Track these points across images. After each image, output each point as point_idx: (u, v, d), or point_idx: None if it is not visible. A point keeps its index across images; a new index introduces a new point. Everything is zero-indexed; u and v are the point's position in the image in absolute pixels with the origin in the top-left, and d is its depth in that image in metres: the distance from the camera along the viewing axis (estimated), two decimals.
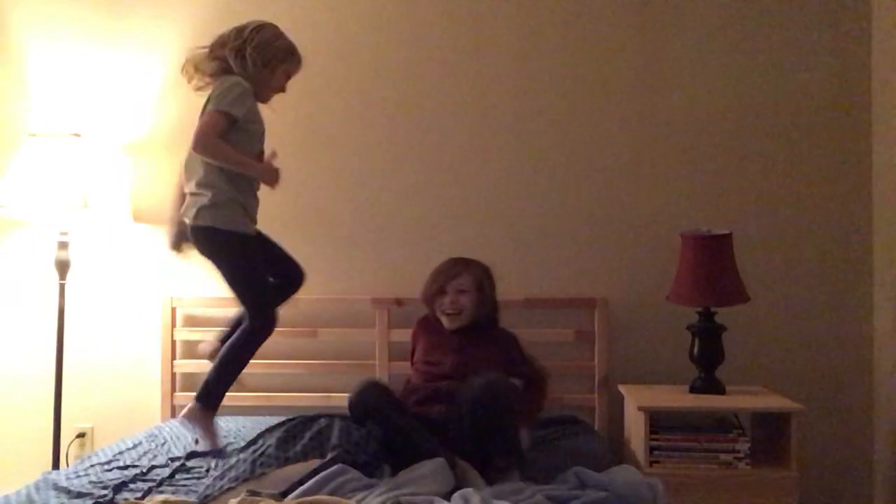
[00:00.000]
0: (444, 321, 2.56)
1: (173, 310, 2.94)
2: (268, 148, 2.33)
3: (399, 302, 2.87)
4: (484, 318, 2.57)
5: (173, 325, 2.94)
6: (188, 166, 2.26)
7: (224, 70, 2.26)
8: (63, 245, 2.83)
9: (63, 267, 2.83)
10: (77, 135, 2.79)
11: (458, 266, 2.57)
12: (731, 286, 2.58)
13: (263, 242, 2.37)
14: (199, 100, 2.97)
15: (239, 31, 2.29)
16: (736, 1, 2.91)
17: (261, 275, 2.30)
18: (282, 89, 2.37)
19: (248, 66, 2.24)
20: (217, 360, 2.29)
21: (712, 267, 2.57)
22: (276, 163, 2.29)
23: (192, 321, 2.99)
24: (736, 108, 2.91)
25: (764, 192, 2.90)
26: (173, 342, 2.94)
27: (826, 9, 2.89)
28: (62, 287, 2.83)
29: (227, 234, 2.20)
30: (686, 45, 2.92)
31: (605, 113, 2.94)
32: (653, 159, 2.93)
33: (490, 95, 2.96)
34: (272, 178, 2.28)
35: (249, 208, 2.29)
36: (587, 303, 2.87)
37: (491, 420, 2.05)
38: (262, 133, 2.32)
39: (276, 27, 2.35)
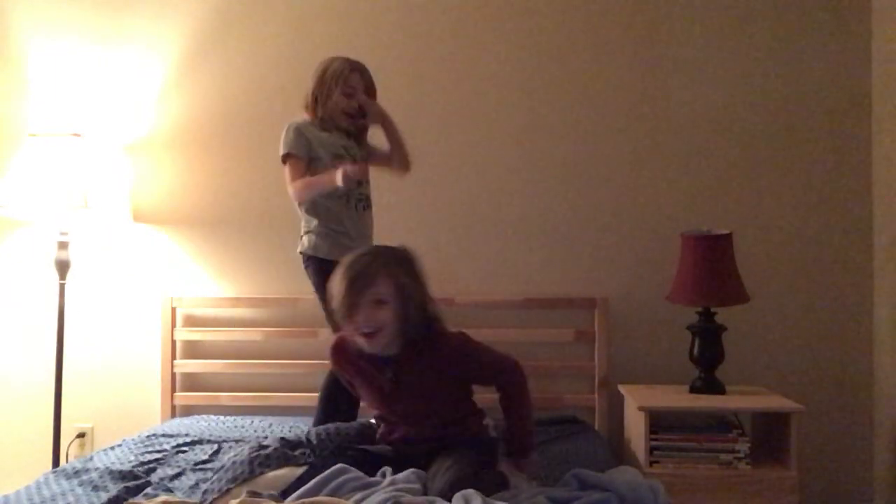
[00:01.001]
0: (361, 344, 1.92)
1: (173, 310, 2.94)
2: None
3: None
4: (417, 332, 1.92)
5: (173, 325, 2.94)
6: None
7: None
8: (63, 245, 2.83)
9: (63, 267, 2.83)
10: (77, 135, 2.79)
11: (370, 267, 1.88)
12: (731, 286, 2.58)
13: None
14: (200, 100, 3.01)
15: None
16: (736, 2, 2.92)
17: None
18: (353, 110, 2.41)
19: (312, 107, 2.41)
20: None
21: (712, 267, 2.57)
22: (351, 168, 2.26)
23: (192, 321, 2.99)
24: (736, 109, 2.91)
25: (764, 192, 2.90)
26: (173, 342, 2.94)
27: (826, 9, 2.89)
28: (62, 287, 2.83)
29: (310, 258, 2.39)
30: (687, 45, 2.92)
31: (606, 113, 2.94)
32: (653, 159, 2.93)
33: (490, 95, 2.96)
34: (341, 174, 2.23)
35: (342, 235, 2.37)
36: (587, 303, 2.87)
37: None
38: (336, 155, 2.36)
39: (329, 60, 2.42)
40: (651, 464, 2.44)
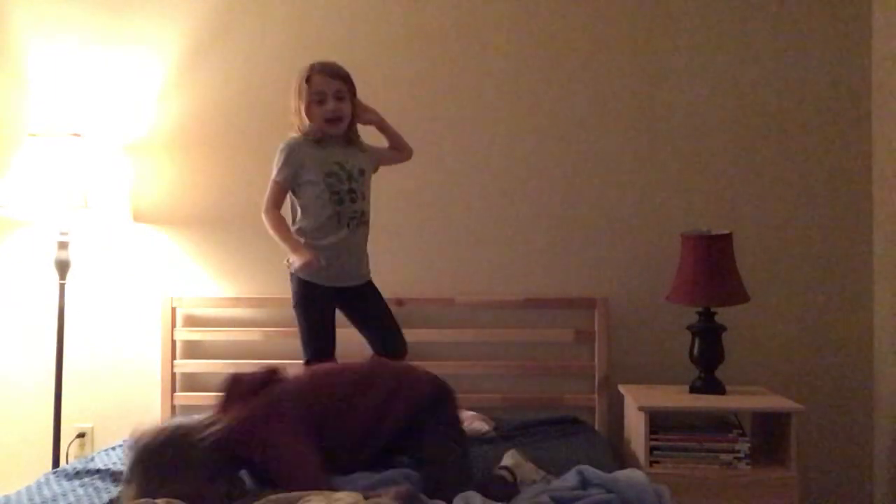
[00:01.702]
0: None
1: (173, 310, 2.94)
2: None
3: (399, 302, 2.86)
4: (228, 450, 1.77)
5: (173, 325, 2.94)
6: None
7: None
8: (63, 245, 2.83)
9: (63, 267, 2.83)
10: (77, 135, 2.79)
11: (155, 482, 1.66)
12: (731, 286, 2.58)
13: (362, 300, 2.44)
14: (200, 100, 3.01)
15: None
16: (736, 1, 2.92)
17: (310, 326, 2.37)
18: (332, 114, 2.29)
19: (295, 120, 2.33)
20: None
21: (712, 267, 2.57)
22: (312, 261, 2.22)
23: (192, 321, 2.99)
24: (736, 108, 2.91)
25: (764, 192, 2.90)
26: (173, 342, 2.94)
27: (826, 9, 2.89)
28: (62, 287, 2.83)
29: (291, 273, 2.36)
30: (686, 45, 2.92)
31: (606, 113, 2.94)
32: (653, 159, 2.93)
33: (490, 95, 2.96)
34: (301, 261, 2.23)
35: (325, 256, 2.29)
36: (587, 303, 2.87)
37: None
38: (329, 173, 2.30)
39: (304, 68, 2.33)
40: (651, 464, 2.44)
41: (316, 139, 2.31)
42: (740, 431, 2.47)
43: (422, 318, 2.88)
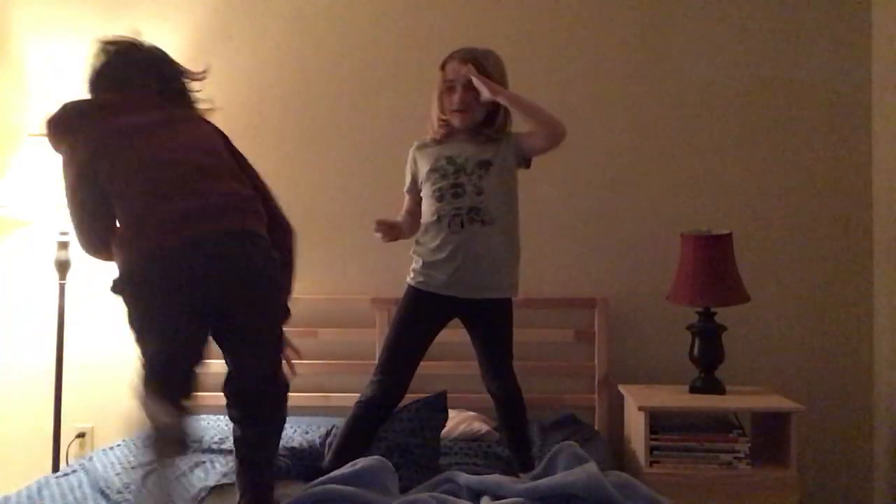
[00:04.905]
0: None
1: None
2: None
3: (399, 302, 2.86)
4: None
5: None
6: None
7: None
8: (63, 245, 2.82)
9: (63, 267, 2.83)
10: None
11: None
12: (731, 286, 2.58)
13: (479, 320, 2.24)
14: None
15: None
16: (736, 3, 2.92)
17: (392, 336, 2.17)
18: (460, 105, 2.08)
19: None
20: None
21: (712, 267, 2.57)
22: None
23: None
24: (736, 108, 2.91)
25: (764, 191, 2.90)
26: None
27: (826, 8, 2.89)
28: (62, 287, 2.83)
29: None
30: (686, 44, 2.92)
31: (605, 112, 2.94)
32: (653, 159, 2.93)
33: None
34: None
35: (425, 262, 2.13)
36: (587, 303, 2.87)
37: None
38: (433, 169, 2.14)
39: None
40: (651, 464, 2.44)
41: (440, 137, 2.12)
42: (740, 431, 2.47)
43: None
